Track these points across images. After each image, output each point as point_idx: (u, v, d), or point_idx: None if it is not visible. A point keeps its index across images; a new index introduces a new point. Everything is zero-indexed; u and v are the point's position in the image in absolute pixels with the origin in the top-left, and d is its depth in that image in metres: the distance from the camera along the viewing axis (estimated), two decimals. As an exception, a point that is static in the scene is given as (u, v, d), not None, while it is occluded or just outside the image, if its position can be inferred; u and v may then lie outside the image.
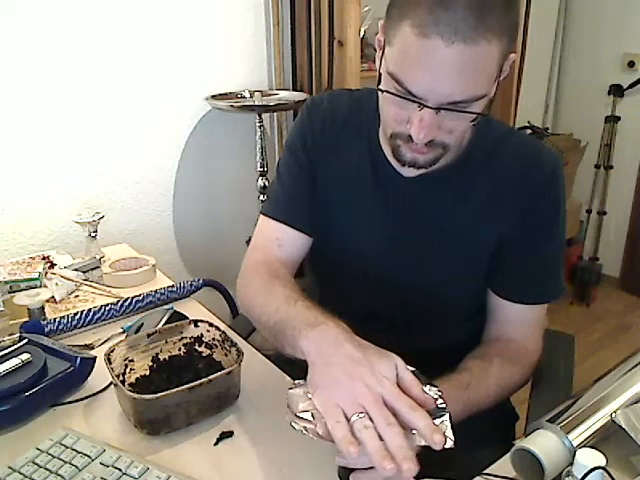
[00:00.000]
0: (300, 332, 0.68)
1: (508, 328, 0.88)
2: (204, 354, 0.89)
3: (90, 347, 0.98)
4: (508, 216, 0.84)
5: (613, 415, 0.69)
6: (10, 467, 0.68)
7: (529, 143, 0.89)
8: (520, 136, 0.91)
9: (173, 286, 1.15)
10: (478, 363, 0.81)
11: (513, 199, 0.83)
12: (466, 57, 0.63)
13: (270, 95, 1.87)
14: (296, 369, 0.87)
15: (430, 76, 0.65)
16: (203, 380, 0.75)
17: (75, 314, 1.03)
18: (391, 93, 0.70)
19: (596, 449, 0.59)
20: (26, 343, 0.88)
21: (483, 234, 0.85)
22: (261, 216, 0.96)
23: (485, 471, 0.69)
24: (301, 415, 0.63)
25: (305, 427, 0.61)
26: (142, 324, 0.98)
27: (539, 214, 0.84)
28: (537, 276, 0.87)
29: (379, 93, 0.75)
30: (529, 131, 2.70)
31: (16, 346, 0.86)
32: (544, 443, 0.65)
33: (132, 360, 0.85)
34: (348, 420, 0.58)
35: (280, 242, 0.92)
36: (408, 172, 0.80)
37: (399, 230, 0.88)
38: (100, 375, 0.86)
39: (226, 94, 1.81)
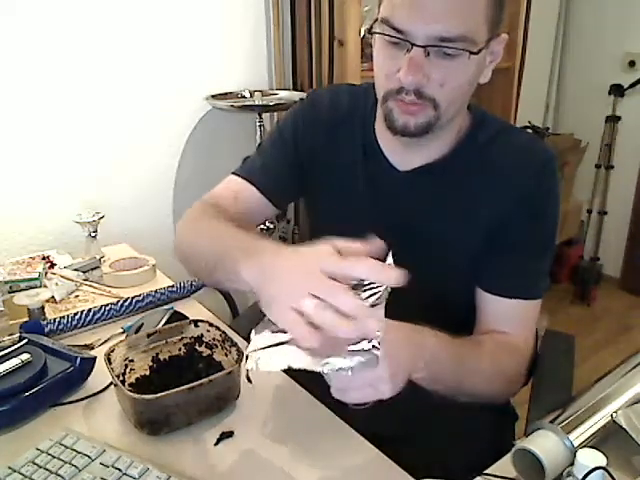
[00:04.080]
0: (239, 262, 0.65)
1: (496, 321, 0.86)
2: (204, 354, 0.89)
3: (90, 347, 0.98)
4: (500, 212, 0.83)
5: (614, 415, 0.69)
6: (10, 467, 0.68)
7: (522, 142, 0.87)
8: (514, 134, 0.89)
9: (173, 286, 1.15)
10: (471, 339, 0.81)
11: (502, 199, 0.83)
12: None
13: (270, 95, 1.87)
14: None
15: (417, 8, 0.69)
16: (203, 380, 0.75)
17: (75, 314, 1.03)
18: (381, 34, 0.73)
19: (597, 449, 0.59)
20: (26, 343, 0.88)
21: (467, 234, 0.85)
22: (229, 176, 0.95)
23: (485, 471, 0.69)
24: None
25: (259, 358, 0.58)
26: (142, 324, 0.98)
27: (527, 211, 0.83)
28: (521, 273, 0.85)
29: (372, 42, 0.77)
30: (529, 131, 2.70)
31: (16, 346, 0.86)
32: (544, 443, 0.65)
33: (132, 360, 0.85)
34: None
35: (237, 195, 0.90)
36: (401, 151, 0.83)
37: (385, 228, 0.88)
38: (100, 375, 0.85)
39: (226, 94, 1.81)
